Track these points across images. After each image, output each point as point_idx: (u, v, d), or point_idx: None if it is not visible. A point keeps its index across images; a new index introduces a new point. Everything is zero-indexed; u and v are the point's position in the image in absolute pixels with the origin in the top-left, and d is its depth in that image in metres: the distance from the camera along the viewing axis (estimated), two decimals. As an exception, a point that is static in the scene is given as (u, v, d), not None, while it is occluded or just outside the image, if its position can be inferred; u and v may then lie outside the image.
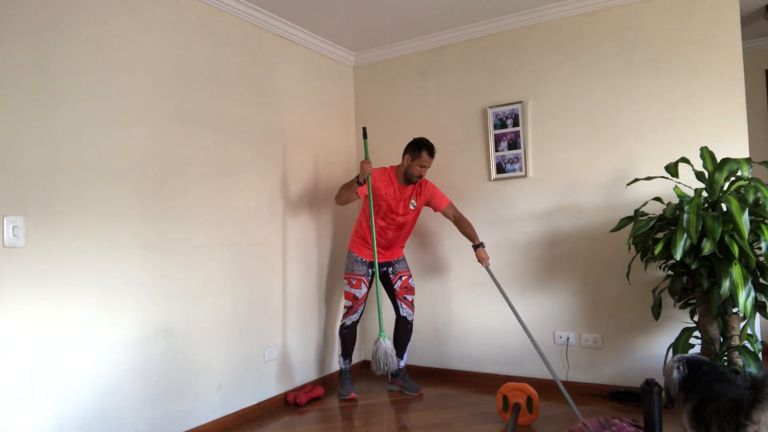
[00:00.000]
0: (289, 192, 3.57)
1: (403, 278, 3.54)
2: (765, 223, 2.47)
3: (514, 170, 3.59)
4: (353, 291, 3.46)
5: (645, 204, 2.90)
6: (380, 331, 3.20)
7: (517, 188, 3.59)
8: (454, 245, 3.80)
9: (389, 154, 3.99)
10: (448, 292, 3.82)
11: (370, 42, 3.98)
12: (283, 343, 3.44)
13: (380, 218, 3.41)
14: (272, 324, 3.38)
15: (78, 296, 2.33)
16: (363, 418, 3.11)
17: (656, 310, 2.82)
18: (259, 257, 3.28)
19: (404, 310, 3.54)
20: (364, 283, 3.48)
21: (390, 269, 3.55)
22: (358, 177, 3.29)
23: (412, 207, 3.44)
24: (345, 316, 3.49)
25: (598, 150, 3.35)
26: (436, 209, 3.53)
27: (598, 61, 3.35)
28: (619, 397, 3.14)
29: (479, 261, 3.33)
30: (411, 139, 3.42)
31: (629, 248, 2.92)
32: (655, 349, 3.14)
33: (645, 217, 2.80)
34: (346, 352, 3.52)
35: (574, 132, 3.42)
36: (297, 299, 3.60)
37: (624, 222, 2.85)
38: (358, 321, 3.52)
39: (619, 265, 3.21)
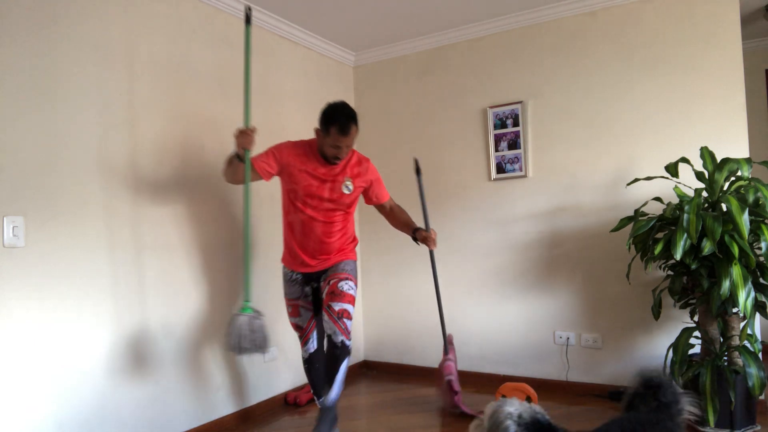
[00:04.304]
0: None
1: (333, 281, 2.54)
2: (765, 223, 2.47)
3: (514, 170, 3.59)
4: (293, 320, 2.73)
5: (645, 204, 2.90)
6: (245, 301, 2.40)
7: (517, 188, 3.59)
8: (453, 245, 3.80)
9: (389, 155, 3.99)
10: (448, 292, 3.81)
11: (370, 42, 3.98)
12: (283, 343, 3.44)
13: (303, 206, 2.54)
14: (272, 324, 3.37)
15: (78, 296, 2.33)
16: (363, 418, 3.11)
17: (656, 310, 2.82)
18: (259, 257, 3.28)
19: (329, 326, 2.47)
20: (303, 307, 2.69)
21: (323, 276, 2.62)
22: (237, 152, 2.40)
23: (346, 190, 2.56)
24: (301, 348, 2.77)
25: (598, 150, 3.35)
26: (375, 201, 2.76)
27: (598, 61, 3.35)
28: (619, 397, 3.12)
29: (429, 242, 2.79)
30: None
31: (629, 248, 2.92)
32: (655, 349, 3.14)
33: (645, 217, 2.80)
34: (315, 388, 2.73)
35: (574, 132, 3.42)
36: (297, 299, 3.59)
37: (624, 222, 2.86)
38: (318, 348, 2.74)
39: (619, 265, 3.21)
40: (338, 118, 2.42)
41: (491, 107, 3.66)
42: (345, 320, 2.48)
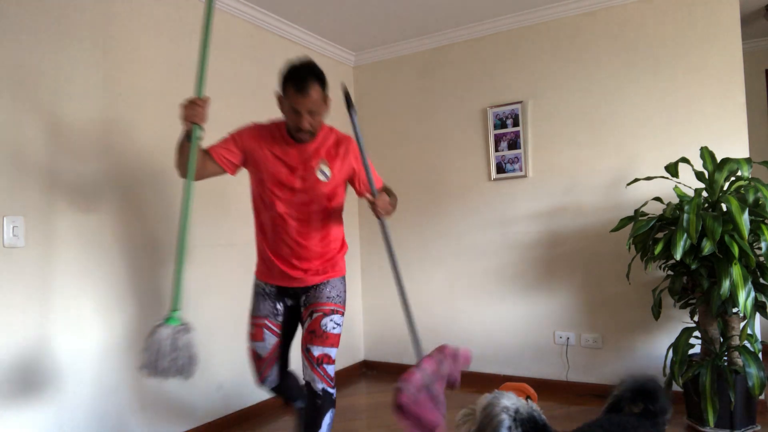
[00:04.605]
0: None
1: (315, 315, 2.05)
2: (765, 223, 2.47)
3: (514, 170, 3.59)
4: (252, 345, 2.15)
5: (645, 204, 2.90)
6: (172, 310, 1.86)
7: (517, 188, 3.59)
8: (453, 245, 3.80)
9: (389, 155, 3.99)
10: (448, 291, 3.82)
11: (370, 42, 3.98)
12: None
13: (272, 199, 2.05)
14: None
15: (78, 296, 2.33)
16: (363, 418, 3.11)
17: (656, 310, 2.82)
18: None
19: (308, 373, 2.01)
20: (270, 330, 2.14)
21: (303, 299, 2.12)
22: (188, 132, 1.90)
23: (322, 177, 2.02)
24: (256, 383, 2.27)
25: (598, 150, 3.35)
26: (366, 190, 2.14)
27: (598, 61, 3.35)
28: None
29: (374, 210, 2.02)
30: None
31: (629, 248, 2.92)
32: (655, 349, 3.14)
33: (645, 217, 2.80)
34: (291, 398, 2.35)
35: (574, 132, 3.42)
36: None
37: (624, 222, 2.86)
38: (281, 381, 2.26)
39: (619, 265, 3.21)
40: (295, 73, 1.90)
41: (491, 107, 3.66)
42: (326, 366, 2.01)
